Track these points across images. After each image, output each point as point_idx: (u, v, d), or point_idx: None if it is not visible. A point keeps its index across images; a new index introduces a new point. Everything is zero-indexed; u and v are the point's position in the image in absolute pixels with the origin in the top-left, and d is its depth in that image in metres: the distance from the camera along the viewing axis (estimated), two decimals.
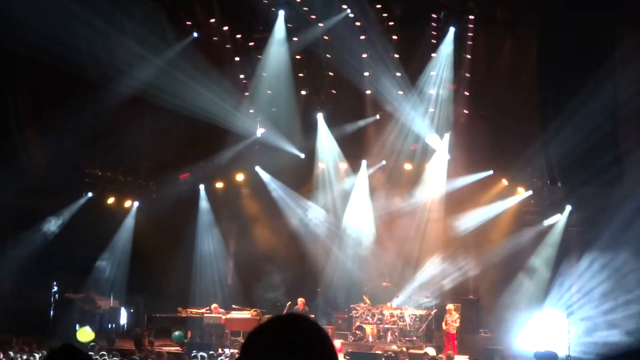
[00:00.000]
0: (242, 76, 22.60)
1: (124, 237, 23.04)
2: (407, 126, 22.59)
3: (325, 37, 21.68)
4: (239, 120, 22.51)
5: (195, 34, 21.76)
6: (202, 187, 24.07)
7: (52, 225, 21.97)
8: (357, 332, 20.55)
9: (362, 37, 21.42)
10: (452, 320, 19.89)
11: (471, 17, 21.35)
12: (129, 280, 22.51)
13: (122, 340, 19.87)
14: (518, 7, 21.59)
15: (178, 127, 20.36)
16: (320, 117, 23.45)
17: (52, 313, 21.19)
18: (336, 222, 23.76)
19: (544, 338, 18.41)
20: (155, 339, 19.22)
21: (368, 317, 21.03)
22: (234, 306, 21.15)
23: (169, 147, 21.60)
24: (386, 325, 20.70)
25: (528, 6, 21.15)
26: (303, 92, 23.15)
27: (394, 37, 21.66)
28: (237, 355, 15.74)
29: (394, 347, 19.52)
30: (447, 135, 22.58)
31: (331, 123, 23.43)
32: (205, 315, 20.26)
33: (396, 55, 21.71)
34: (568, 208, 21.55)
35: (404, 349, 19.26)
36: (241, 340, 19.81)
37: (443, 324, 20.07)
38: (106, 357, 13.66)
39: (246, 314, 20.80)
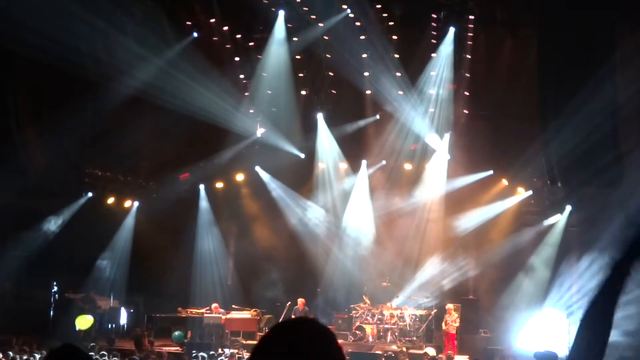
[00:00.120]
0: (242, 76, 22.60)
1: (124, 237, 23.03)
2: (407, 126, 22.58)
3: (325, 37, 21.67)
4: (239, 120, 22.51)
5: (195, 34, 21.74)
6: (202, 187, 24.06)
7: (52, 225, 21.97)
8: (357, 332, 20.53)
9: (362, 37, 21.41)
10: (452, 320, 19.88)
11: (471, 17, 21.35)
12: (129, 280, 22.52)
13: (122, 340, 19.86)
14: (518, 7, 21.58)
15: (178, 127, 20.37)
16: (320, 117, 23.44)
17: (52, 313, 21.20)
18: (336, 222, 23.74)
19: (544, 338, 18.41)
20: (155, 339, 19.21)
21: (368, 317, 21.02)
22: (234, 306, 21.15)
23: (169, 147, 21.60)
24: (386, 325, 20.68)
25: (528, 6, 21.13)
26: (303, 92, 23.15)
27: (394, 37, 21.65)
28: (237, 356, 15.76)
29: (394, 347, 19.51)
30: (447, 135, 22.57)
31: (331, 123, 23.42)
32: (205, 315, 20.25)
33: (396, 55, 21.70)
34: (568, 208, 21.53)
35: (404, 349, 19.26)
36: (241, 340, 19.85)
37: (443, 324, 20.07)
38: (106, 357, 13.66)
39: (246, 314, 20.81)
